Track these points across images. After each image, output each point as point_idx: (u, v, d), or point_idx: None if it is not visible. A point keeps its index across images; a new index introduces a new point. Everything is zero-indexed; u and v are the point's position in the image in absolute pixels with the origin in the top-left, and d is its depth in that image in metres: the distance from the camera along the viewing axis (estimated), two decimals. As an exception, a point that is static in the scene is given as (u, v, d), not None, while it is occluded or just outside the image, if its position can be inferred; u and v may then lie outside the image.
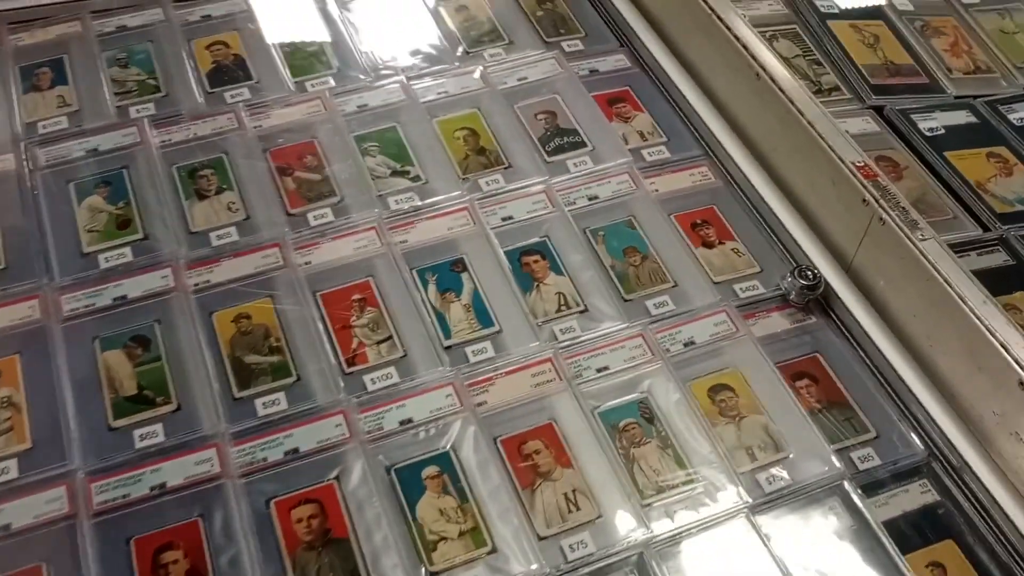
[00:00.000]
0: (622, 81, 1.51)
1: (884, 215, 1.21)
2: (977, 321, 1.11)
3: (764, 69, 1.36)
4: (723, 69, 1.45)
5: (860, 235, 1.25)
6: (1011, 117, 1.48)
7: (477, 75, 1.47)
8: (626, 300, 1.23)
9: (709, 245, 1.30)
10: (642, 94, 1.50)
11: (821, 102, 1.40)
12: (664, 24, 1.57)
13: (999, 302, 1.20)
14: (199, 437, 1.04)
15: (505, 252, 1.25)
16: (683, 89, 1.49)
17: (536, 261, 1.25)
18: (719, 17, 1.44)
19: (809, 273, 1.24)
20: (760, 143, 1.40)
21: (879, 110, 1.46)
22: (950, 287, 1.14)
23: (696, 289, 1.25)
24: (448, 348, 1.16)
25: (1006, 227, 1.31)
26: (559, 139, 1.40)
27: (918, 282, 1.17)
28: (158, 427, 1.05)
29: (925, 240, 1.18)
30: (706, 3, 1.46)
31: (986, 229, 1.31)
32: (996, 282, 1.23)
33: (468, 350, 1.16)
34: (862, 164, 1.26)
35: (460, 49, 1.52)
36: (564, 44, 1.55)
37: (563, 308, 1.21)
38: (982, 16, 1.63)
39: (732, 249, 1.31)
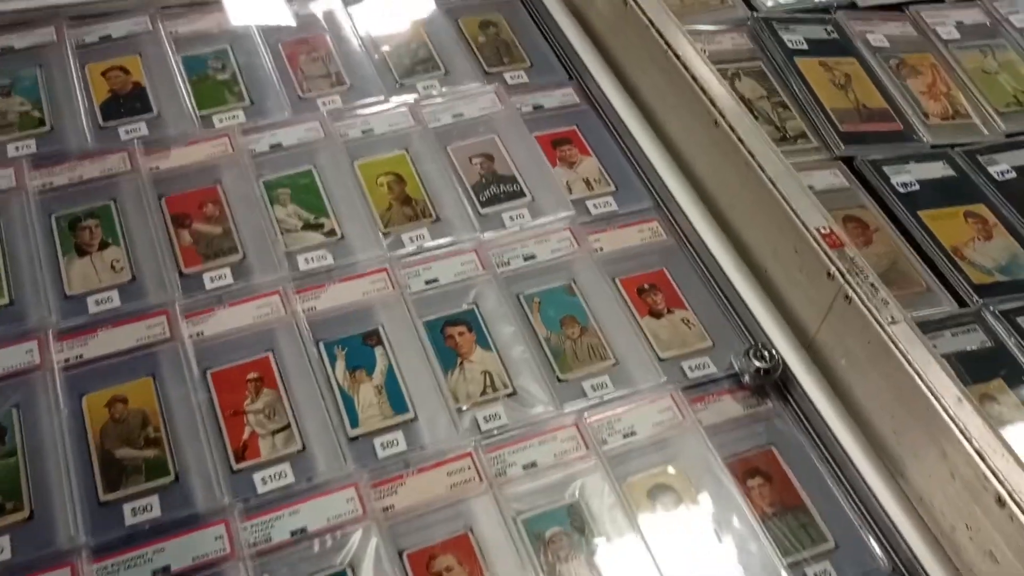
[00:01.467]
0: (569, 119, 1.37)
1: (850, 292, 1.08)
2: (951, 422, 0.98)
3: (723, 115, 1.23)
4: (679, 111, 1.32)
5: (824, 311, 1.12)
6: (991, 170, 1.35)
7: (407, 111, 1.32)
8: (560, 380, 1.09)
9: (656, 315, 1.17)
10: (590, 135, 1.36)
11: (786, 151, 1.27)
12: (618, 57, 1.43)
13: (975, 391, 1.08)
14: (52, 553, 0.89)
15: (426, 323, 1.11)
16: (635, 131, 1.35)
17: (461, 334, 1.11)
18: (675, 53, 1.30)
19: (766, 353, 1.11)
20: (718, 198, 1.27)
21: (849, 161, 1.33)
22: (921, 380, 1.01)
23: (639, 368, 1.11)
24: (354, 440, 1.01)
25: (984, 300, 1.18)
26: (495, 187, 1.26)
27: (886, 370, 1.04)
28: (5, 540, 0.90)
29: (895, 323, 1.05)
30: (661, 36, 1.32)
31: (962, 304, 1.18)
32: (973, 367, 1.11)
33: (377, 442, 1.01)
34: (828, 231, 1.13)
35: (391, 80, 1.37)
36: (507, 75, 1.41)
37: (488, 390, 1.07)
38: (962, 54, 1.50)
39: (682, 319, 1.17)
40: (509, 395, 1.07)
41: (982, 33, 1.54)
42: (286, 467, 0.98)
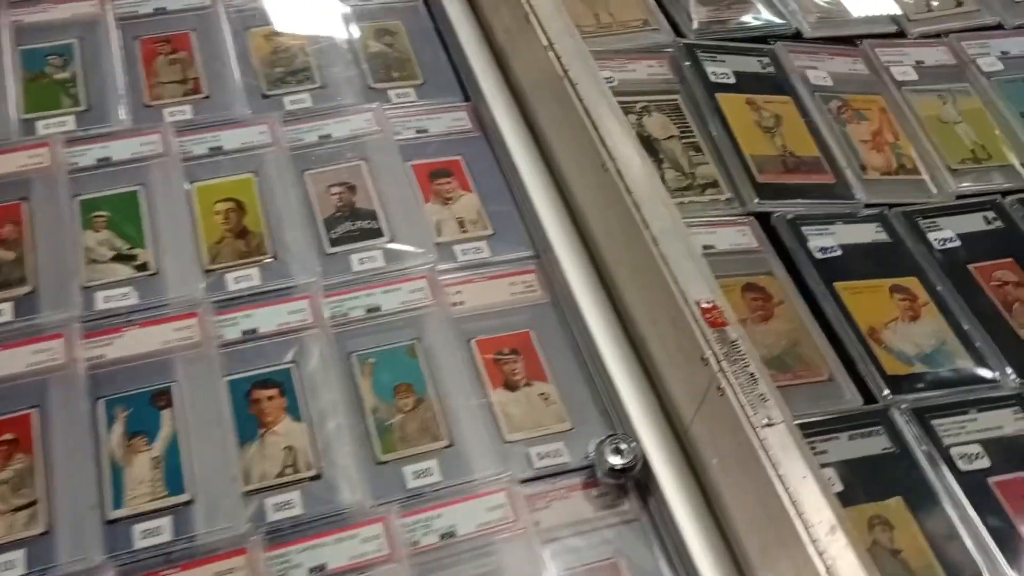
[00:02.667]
0: (455, 148, 1.21)
1: (724, 383, 0.91)
2: (816, 558, 0.81)
3: (611, 157, 1.06)
4: (572, 149, 1.15)
5: (699, 401, 0.95)
6: (932, 236, 1.17)
7: (266, 127, 1.16)
8: (380, 463, 0.93)
9: (512, 386, 1.01)
10: (476, 168, 1.19)
11: (689, 202, 1.11)
12: (520, 80, 1.27)
13: (864, 513, 0.91)
14: None
15: (231, 382, 0.95)
16: (525, 168, 1.18)
17: (271, 398, 0.95)
18: (570, 80, 1.13)
19: (623, 446, 0.94)
20: (605, 253, 1.10)
21: (764, 218, 1.15)
22: (790, 500, 0.84)
23: (478, 452, 0.95)
24: (112, 523, 0.86)
25: (894, 396, 1.00)
26: (350, 223, 1.10)
27: (756, 482, 0.88)
28: None
29: (771, 425, 0.88)
30: (558, 58, 1.15)
31: (870, 398, 1.01)
32: (868, 480, 0.94)
33: (138, 529, 0.85)
34: (710, 305, 0.96)
35: (257, 91, 1.21)
36: (393, 92, 1.24)
37: (288, 471, 0.91)
38: (918, 98, 1.32)
39: (541, 394, 1.01)
40: (312, 478, 0.91)
41: (944, 76, 1.36)
42: (20, 555, 0.82)
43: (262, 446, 0.92)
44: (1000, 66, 1.39)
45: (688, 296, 0.96)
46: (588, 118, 1.10)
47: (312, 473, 0.91)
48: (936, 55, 1.38)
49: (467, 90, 1.27)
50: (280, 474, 0.90)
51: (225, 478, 0.89)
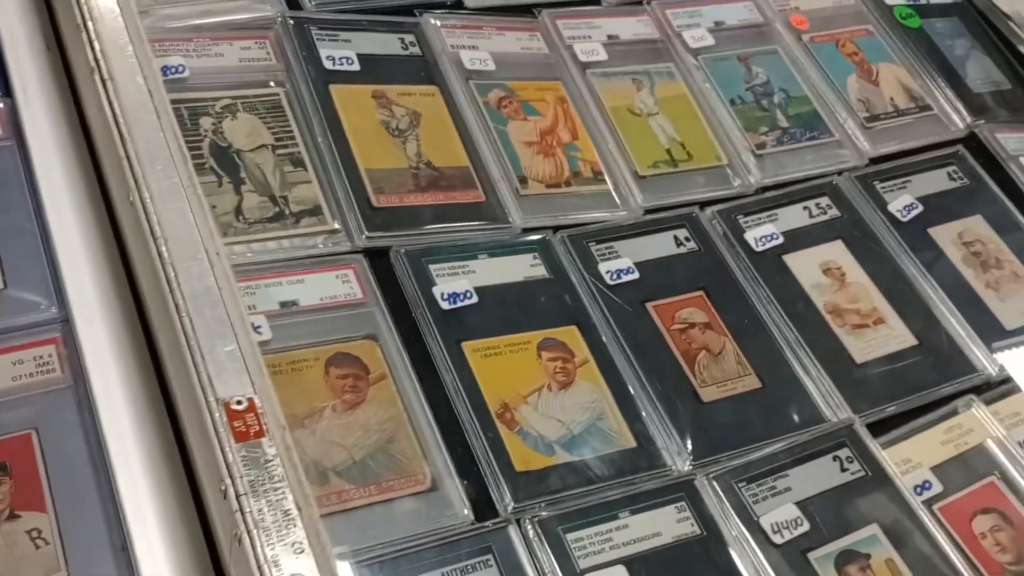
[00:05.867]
0: (-31, 163, 0.89)
1: (242, 528, 0.64)
2: None
3: (139, 186, 0.76)
4: (114, 174, 0.85)
5: (229, 546, 0.68)
6: (603, 268, 0.93)
7: None
8: None
9: (-17, 521, 0.71)
10: (-6, 192, 0.88)
11: (277, 239, 0.83)
12: (77, 72, 0.95)
13: None
14: None
15: None
16: (59, 193, 0.87)
17: None
18: (102, 74, 0.82)
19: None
20: (153, 321, 0.81)
21: (383, 255, 0.88)
22: None
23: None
24: None
25: (520, 506, 0.75)
26: None
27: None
28: None
29: (300, 593, 0.62)
30: (91, 44, 0.83)
31: (488, 511, 0.75)
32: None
33: None
34: (243, 406, 0.68)
35: None
36: None
37: None
38: (605, 83, 1.07)
39: (30, 531, 0.71)
40: None
41: (642, 54, 1.11)
42: None
43: None
44: (710, 40, 1.15)
45: (213, 391, 0.68)
46: (117, 129, 0.80)
47: None
48: (634, 27, 1.13)
49: (8, 81, 0.95)
50: None
51: None
